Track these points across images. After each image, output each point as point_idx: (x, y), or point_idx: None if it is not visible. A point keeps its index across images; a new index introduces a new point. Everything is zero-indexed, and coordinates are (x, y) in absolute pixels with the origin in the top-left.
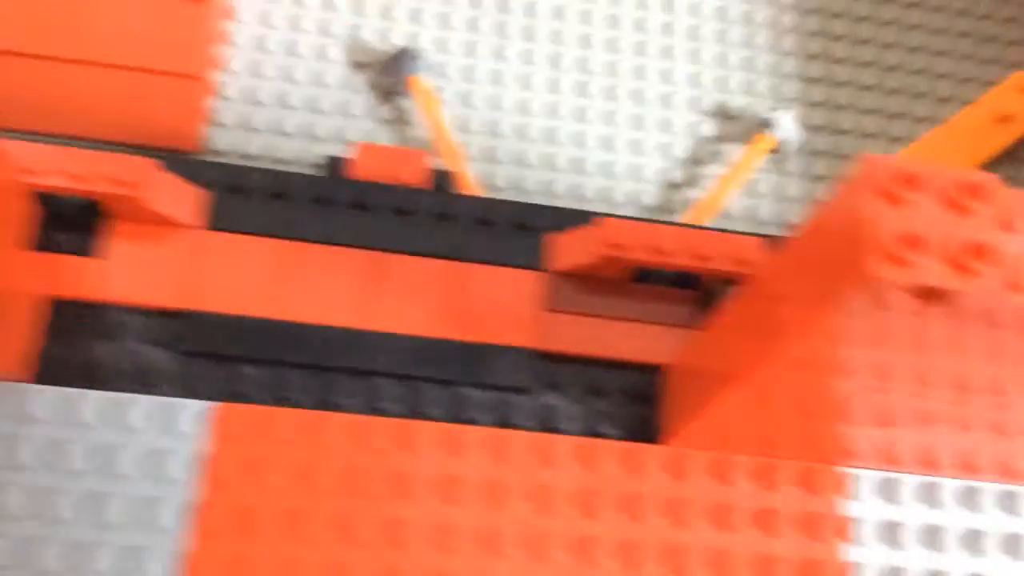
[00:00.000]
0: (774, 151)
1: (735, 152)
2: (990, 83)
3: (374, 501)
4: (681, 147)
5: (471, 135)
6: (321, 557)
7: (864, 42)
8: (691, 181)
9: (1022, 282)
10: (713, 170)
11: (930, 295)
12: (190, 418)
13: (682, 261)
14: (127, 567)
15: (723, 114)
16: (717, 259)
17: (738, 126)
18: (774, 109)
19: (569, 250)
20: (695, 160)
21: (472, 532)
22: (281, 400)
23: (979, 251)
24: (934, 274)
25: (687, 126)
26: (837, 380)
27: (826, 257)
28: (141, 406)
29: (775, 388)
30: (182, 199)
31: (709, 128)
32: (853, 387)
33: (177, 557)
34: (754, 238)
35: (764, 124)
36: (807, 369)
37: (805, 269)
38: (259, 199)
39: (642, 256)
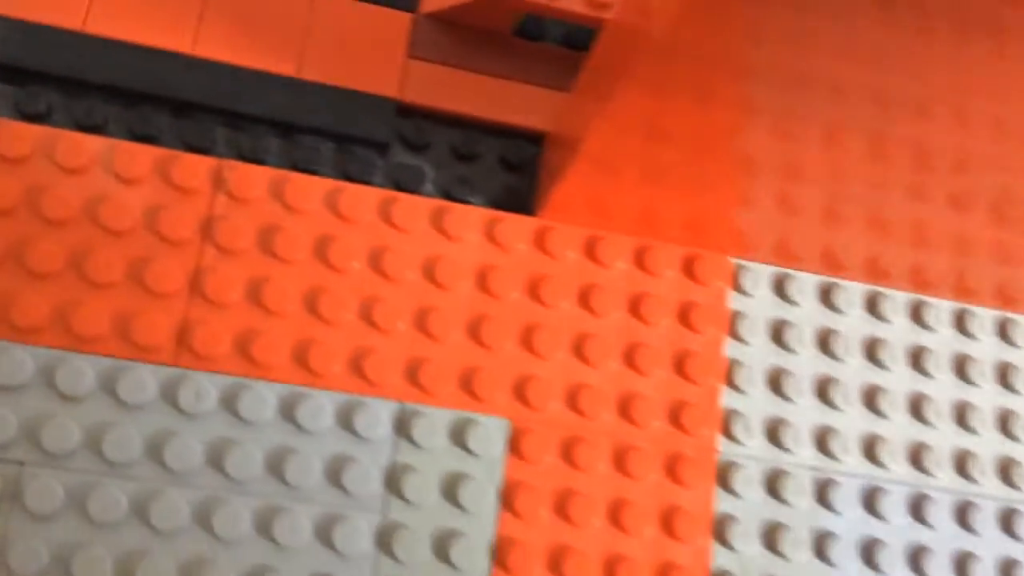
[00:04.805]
0: None
1: None
2: None
3: (173, 246)
4: None
5: None
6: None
7: None
8: None
9: None
10: None
11: None
12: None
13: (576, 7)
14: None
15: None
16: (620, 6)
17: None
18: None
19: None
20: None
21: (299, 293)
22: (83, 127)
23: None
24: None
25: None
26: (726, 150)
27: None
28: None
29: (660, 156)
30: None
31: None
32: (745, 163)
33: None
34: None
35: None
36: (688, 124)
37: None
38: None
39: None
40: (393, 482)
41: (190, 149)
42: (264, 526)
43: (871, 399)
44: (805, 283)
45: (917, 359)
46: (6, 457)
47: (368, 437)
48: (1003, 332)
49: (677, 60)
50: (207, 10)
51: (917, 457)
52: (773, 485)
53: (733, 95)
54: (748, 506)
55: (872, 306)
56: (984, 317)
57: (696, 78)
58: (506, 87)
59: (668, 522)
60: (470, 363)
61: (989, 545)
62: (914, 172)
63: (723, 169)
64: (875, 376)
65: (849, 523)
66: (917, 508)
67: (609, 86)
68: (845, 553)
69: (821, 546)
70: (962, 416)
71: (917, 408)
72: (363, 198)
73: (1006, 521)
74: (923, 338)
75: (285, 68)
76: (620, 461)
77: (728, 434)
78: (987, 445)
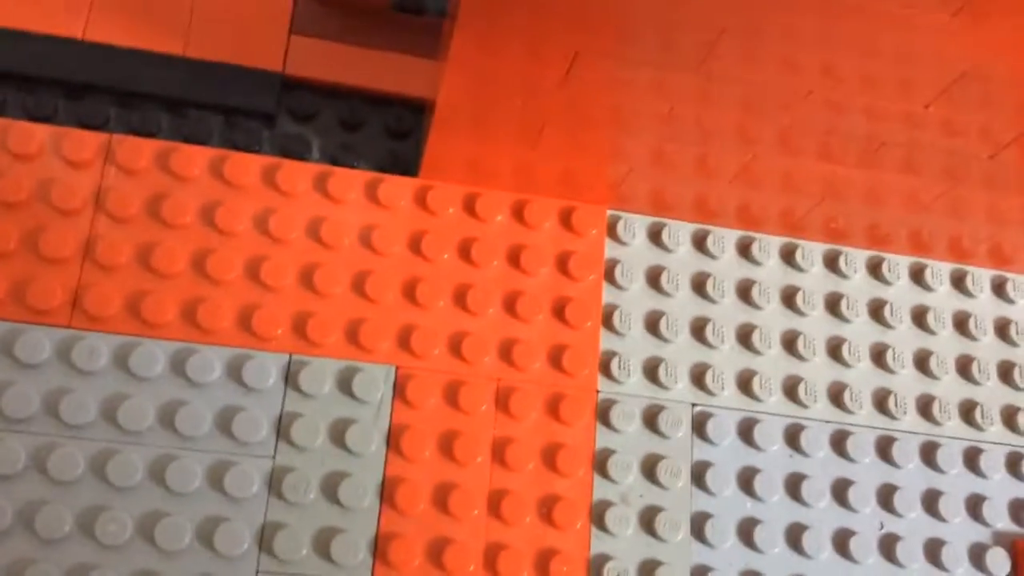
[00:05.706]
0: None
1: None
2: None
3: (66, 216)
4: None
5: None
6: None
7: None
8: None
9: None
10: None
11: None
12: None
13: None
14: None
15: None
16: None
17: None
18: None
19: None
20: None
21: (187, 255)
22: None
23: None
24: None
25: None
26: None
27: None
28: None
29: (535, 113)
30: None
31: None
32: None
33: None
34: None
35: None
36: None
37: None
38: None
39: None
40: (282, 429)
41: (85, 128)
42: (157, 474)
43: (745, 337)
44: (680, 231)
45: (790, 298)
46: None
47: (257, 388)
48: (875, 270)
49: (547, 17)
50: None
51: (792, 390)
52: (651, 419)
53: (606, 51)
54: (627, 440)
55: (744, 250)
56: (855, 256)
57: (569, 35)
58: (388, 59)
59: (551, 458)
60: (356, 315)
61: (823, 467)
62: (782, 123)
63: (597, 124)
64: (748, 315)
65: (725, 452)
66: (793, 439)
67: (447, 46)
68: (722, 481)
69: (698, 475)
70: (835, 351)
71: (791, 344)
72: (247, 165)
73: (837, 445)
74: (795, 278)
75: (173, 47)
76: (503, 402)
77: (607, 373)
78: (861, 378)
